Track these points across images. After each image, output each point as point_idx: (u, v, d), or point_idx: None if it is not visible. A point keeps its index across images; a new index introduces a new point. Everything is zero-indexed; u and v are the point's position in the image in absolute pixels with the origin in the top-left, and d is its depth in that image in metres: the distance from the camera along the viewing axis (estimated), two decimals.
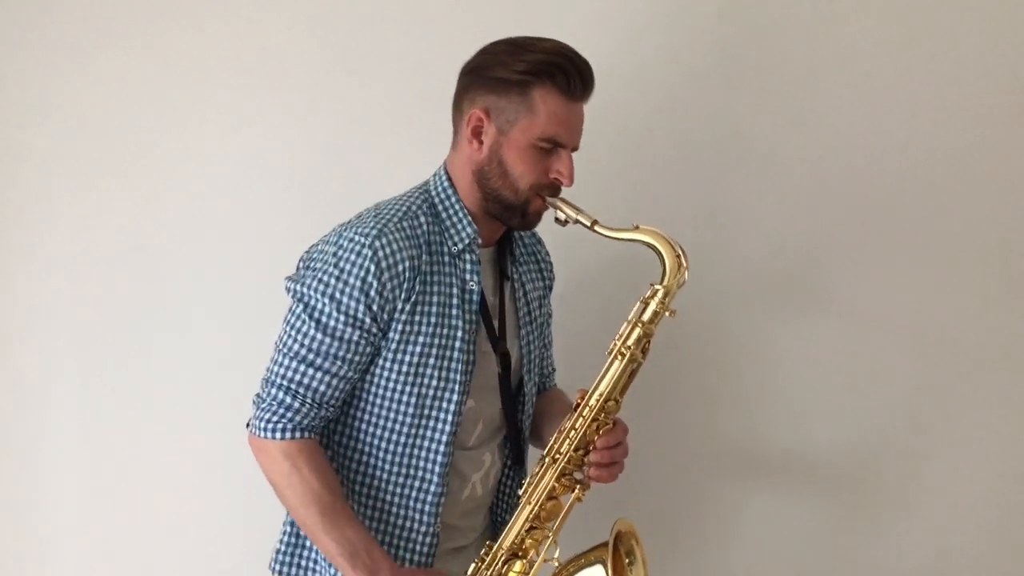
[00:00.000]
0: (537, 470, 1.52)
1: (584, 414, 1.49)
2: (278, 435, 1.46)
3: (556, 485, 1.50)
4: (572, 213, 1.50)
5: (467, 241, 1.53)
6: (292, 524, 1.59)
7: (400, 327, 1.48)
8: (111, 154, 2.06)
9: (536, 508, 1.50)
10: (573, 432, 1.50)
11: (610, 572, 1.45)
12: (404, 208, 1.52)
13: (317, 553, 1.56)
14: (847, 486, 2.08)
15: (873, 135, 2.01)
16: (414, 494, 1.54)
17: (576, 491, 1.51)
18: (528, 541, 1.51)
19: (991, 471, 2.05)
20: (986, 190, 2.01)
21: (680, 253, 1.48)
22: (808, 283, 2.05)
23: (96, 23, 2.04)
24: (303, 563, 1.59)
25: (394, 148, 2.03)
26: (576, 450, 1.50)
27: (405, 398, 1.51)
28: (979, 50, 1.99)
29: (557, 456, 1.50)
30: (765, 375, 2.07)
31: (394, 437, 1.53)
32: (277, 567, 1.60)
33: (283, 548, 1.60)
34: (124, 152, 2.06)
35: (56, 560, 2.13)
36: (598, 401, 1.49)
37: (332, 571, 1.52)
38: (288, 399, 1.46)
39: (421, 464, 1.53)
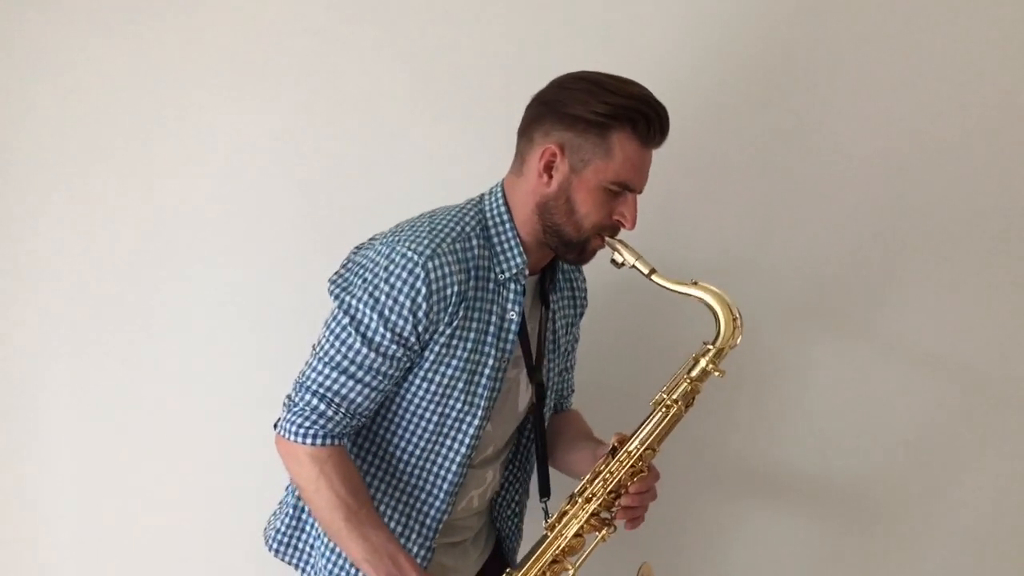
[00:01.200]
0: (567, 507, 1.55)
1: (622, 459, 1.52)
2: (308, 441, 1.47)
3: (586, 524, 1.53)
4: (631, 258, 1.51)
5: (515, 271, 1.53)
6: (294, 507, 1.61)
7: (437, 348, 1.49)
8: (106, 153, 2.02)
9: (563, 543, 1.53)
10: (609, 475, 1.52)
11: None
12: (459, 228, 1.51)
13: (315, 538, 1.59)
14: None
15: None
16: (421, 505, 1.57)
17: (603, 532, 1.54)
18: (548, 573, 1.54)
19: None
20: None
21: (737, 316, 1.50)
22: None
23: (95, 23, 1.99)
24: (300, 545, 1.62)
25: (395, 149, 2.02)
26: (609, 493, 1.53)
27: (428, 415, 1.53)
28: None
29: (591, 497, 1.53)
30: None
31: (411, 448, 1.55)
32: (275, 545, 1.63)
33: (282, 528, 1.62)
34: (119, 152, 2.02)
35: (53, 560, 2.12)
36: (638, 449, 1.51)
37: (326, 558, 1.56)
38: (322, 406, 1.47)
39: (432, 479, 1.56)
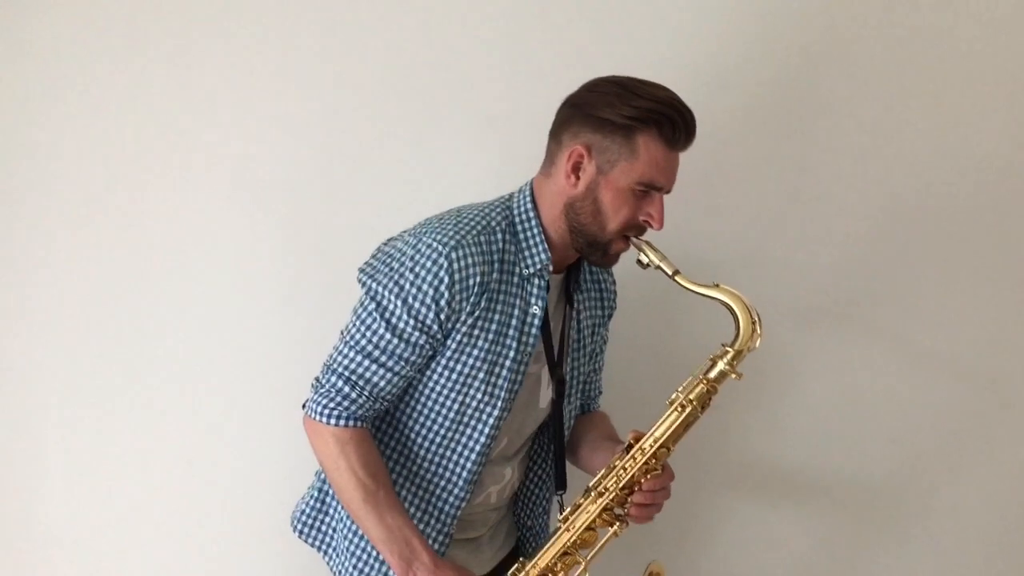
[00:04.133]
0: (581, 501, 1.57)
1: (636, 456, 1.54)
2: (332, 421, 1.52)
3: (597, 519, 1.55)
4: (656, 259, 1.53)
5: (539, 266, 1.57)
6: (320, 490, 1.67)
7: (459, 337, 1.53)
8: (106, 154, 2.03)
9: (575, 536, 1.56)
10: (623, 471, 1.54)
11: None
12: (485, 222, 1.56)
13: (338, 521, 1.64)
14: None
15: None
16: (440, 492, 1.60)
17: (615, 527, 1.56)
18: (560, 564, 1.57)
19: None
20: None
21: (756, 319, 1.51)
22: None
23: (95, 24, 2.01)
24: (324, 528, 1.67)
25: (396, 149, 2.03)
26: (622, 489, 1.55)
27: (448, 403, 1.57)
28: None
29: (604, 491, 1.55)
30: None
31: (431, 436, 1.59)
32: (300, 526, 1.69)
33: (307, 510, 1.68)
34: (120, 152, 2.03)
35: (54, 561, 2.13)
36: (652, 447, 1.54)
37: (348, 539, 1.61)
38: (347, 389, 1.52)
39: (452, 467, 1.60)
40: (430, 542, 1.60)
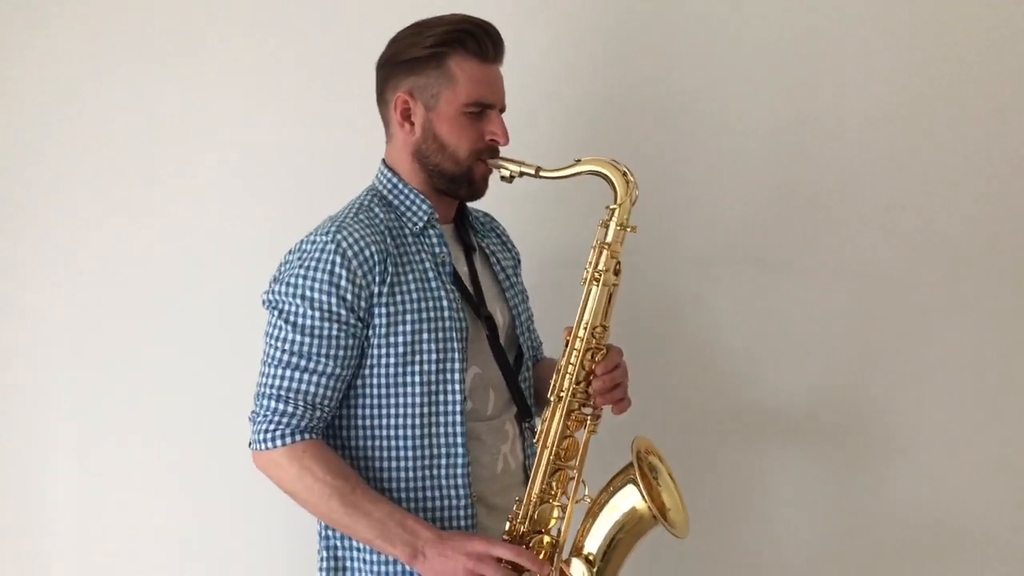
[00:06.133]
0: (545, 414, 1.54)
1: (576, 347, 1.52)
2: (279, 442, 1.47)
3: (567, 424, 1.52)
4: (514, 167, 1.55)
5: (426, 218, 1.58)
6: (327, 548, 1.59)
7: (383, 310, 1.50)
8: (106, 154, 2.09)
9: (553, 449, 1.51)
10: (571, 367, 1.52)
11: (642, 488, 1.46)
12: (357, 205, 1.58)
13: (358, 567, 1.55)
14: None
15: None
16: (443, 471, 1.54)
17: (588, 424, 1.52)
18: (555, 484, 1.52)
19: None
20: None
21: (626, 171, 1.53)
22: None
23: (95, 25, 2.07)
24: None
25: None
26: (578, 383, 1.52)
27: (408, 378, 1.53)
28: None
29: (561, 394, 1.52)
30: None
31: (407, 420, 1.53)
32: None
33: (323, 574, 1.59)
34: (121, 153, 2.09)
35: (54, 561, 2.13)
36: (586, 330, 1.52)
37: (373, 573, 1.53)
38: (281, 406, 1.48)
39: (442, 439, 1.54)
40: (459, 523, 1.53)
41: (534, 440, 1.55)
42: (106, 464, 2.12)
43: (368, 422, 1.55)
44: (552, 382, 1.54)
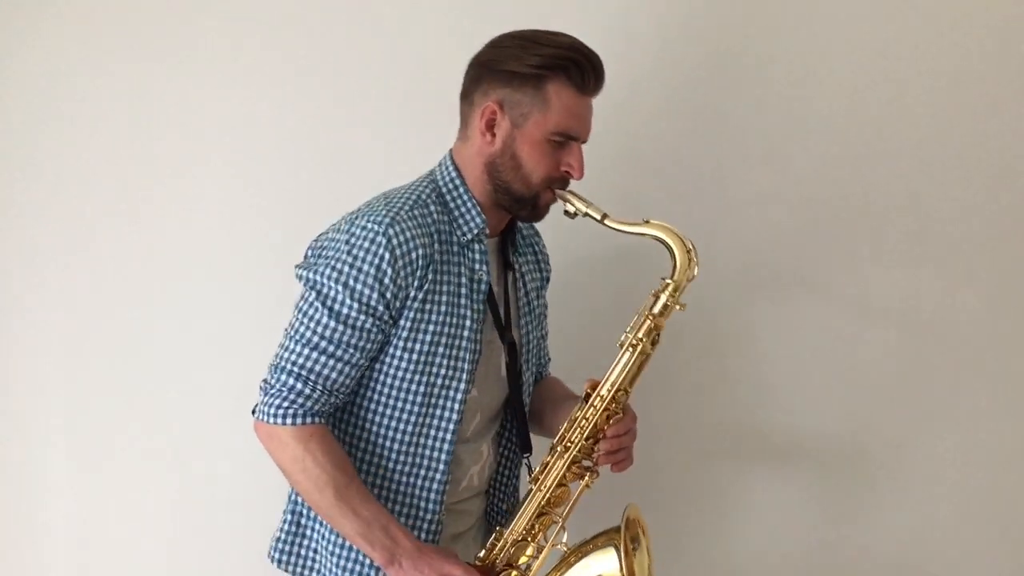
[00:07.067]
0: (548, 459, 1.55)
1: (596, 404, 1.53)
2: (288, 420, 1.47)
3: (567, 473, 1.54)
4: (582, 207, 1.52)
5: (476, 231, 1.55)
6: (292, 512, 1.60)
7: (412, 315, 1.49)
8: (106, 153, 2.05)
9: (547, 494, 1.54)
10: (584, 422, 1.53)
11: (622, 557, 1.49)
12: (414, 197, 1.53)
13: (317, 543, 1.58)
14: (837, 472, 2.11)
15: (870, 130, 2.03)
16: (420, 482, 1.55)
17: (585, 479, 1.55)
18: (537, 526, 1.55)
19: (979, 460, 2.09)
20: (985, 183, 2.03)
21: (691, 248, 1.51)
22: (801, 273, 2.07)
23: (94, 23, 2.02)
24: (303, 552, 1.60)
25: (393, 146, 2.03)
26: (587, 439, 1.53)
27: (414, 387, 1.53)
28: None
29: (568, 445, 1.54)
30: (758, 363, 2.09)
31: (401, 426, 1.54)
32: (276, 555, 1.62)
33: (283, 536, 1.61)
34: (120, 151, 2.05)
35: (53, 561, 2.13)
36: (610, 391, 1.52)
37: (336, 555, 1.55)
38: (299, 385, 1.47)
39: (428, 452, 1.55)
40: (423, 534, 1.56)
41: (529, 479, 1.56)
42: (101, 462, 2.10)
43: (363, 413, 1.56)
44: (562, 430, 1.55)
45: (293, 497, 1.60)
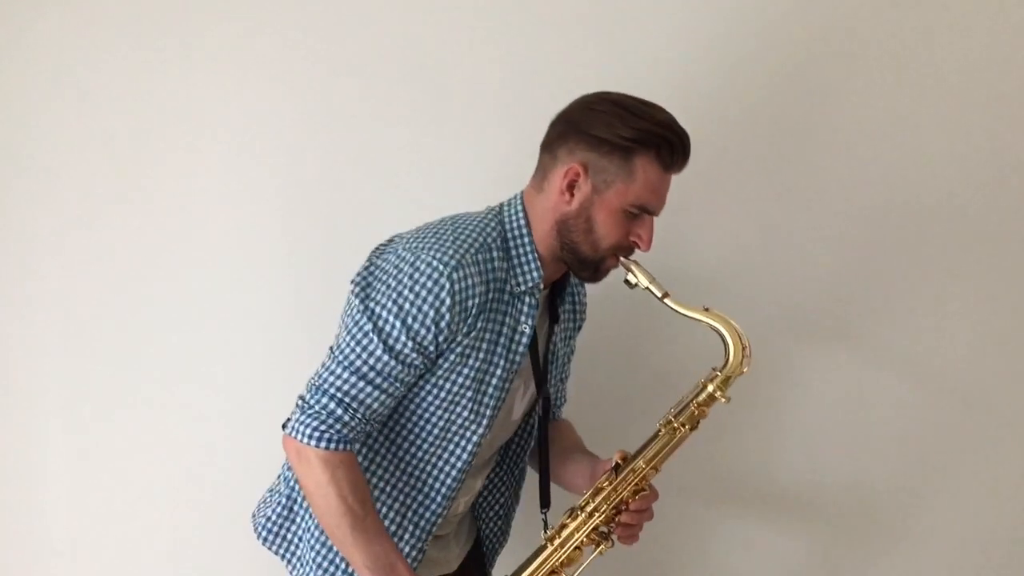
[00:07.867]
0: (568, 520, 1.58)
1: (628, 478, 1.55)
2: (323, 444, 1.46)
3: (586, 538, 1.56)
4: (645, 280, 1.53)
5: (531, 284, 1.55)
6: (288, 497, 1.62)
7: (452, 357, 1.50)
8: (106, 153, 2.01)
9: (562, 557, 1.56)
10: (613, 492, 1.55)
11: None
12: (481, 239, 1.52)
13: (305, 530, 1.60)
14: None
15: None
16: (417, 508, 1.58)
17: (601, 547, 1.57)
18: None
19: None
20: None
21: (747, 345, 1.53)
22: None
23: (94, 22, 1.97)
24: (290, 536, 1.63)
25: (393, 149, 2.01)
26: (612, 509, 1.56)
27: (434, 420, 1.54)
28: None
29: (594, 512, 1.56)
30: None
31: (413, 451, 1.56)
32: (264, 533, 1.64)
33: (274, 518, 1.63)
34: (120, 151, 2.01)
35: (53, 560, 2.12)
36: (643, 468, 1.55)
37: (315, 550, 1.57)
38: (339, 411, 1.47)
39: (432, 483, 1.57)
40: (405, 553, 1.58)
41: (544, 535, 1.59)
42: (101, 462, 2.08)
43: (377, 434, 1.57)
44: (588, 495, 1.57)
45: (291, 483, 1.61)
